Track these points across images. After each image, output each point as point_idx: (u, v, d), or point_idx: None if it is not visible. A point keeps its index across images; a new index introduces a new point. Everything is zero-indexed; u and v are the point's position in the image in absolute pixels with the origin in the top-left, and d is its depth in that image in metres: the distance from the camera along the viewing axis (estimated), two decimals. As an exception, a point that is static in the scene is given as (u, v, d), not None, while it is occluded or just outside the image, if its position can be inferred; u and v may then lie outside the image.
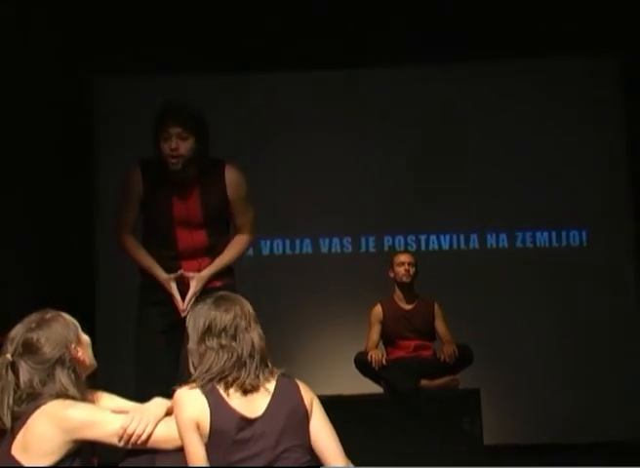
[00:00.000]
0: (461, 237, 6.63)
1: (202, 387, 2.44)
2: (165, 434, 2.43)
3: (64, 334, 2.51)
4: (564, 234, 6.59)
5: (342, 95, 6.65)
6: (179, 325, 3.35)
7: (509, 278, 6.49)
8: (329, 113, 6.62)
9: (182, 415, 2.40)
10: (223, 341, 2.49)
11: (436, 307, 5.50)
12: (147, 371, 3.62)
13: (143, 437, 2.39)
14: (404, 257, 5.52)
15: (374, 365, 5.21)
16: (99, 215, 6.33)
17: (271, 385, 2.49)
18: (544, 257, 6.54)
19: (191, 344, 2.53)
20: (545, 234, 6.60)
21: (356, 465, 2.57)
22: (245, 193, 3.77)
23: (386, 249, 6.54)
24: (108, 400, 2.63)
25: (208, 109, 4.01)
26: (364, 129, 6.65)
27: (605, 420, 6.07)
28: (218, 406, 2.41)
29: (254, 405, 2.45)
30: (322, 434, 2.52)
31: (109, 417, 2.42)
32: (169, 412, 2.49)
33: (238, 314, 2.54)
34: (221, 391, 2.44)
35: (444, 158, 6.61)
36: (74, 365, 2.50)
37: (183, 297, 3.62)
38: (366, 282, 6.14)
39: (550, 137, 6.55)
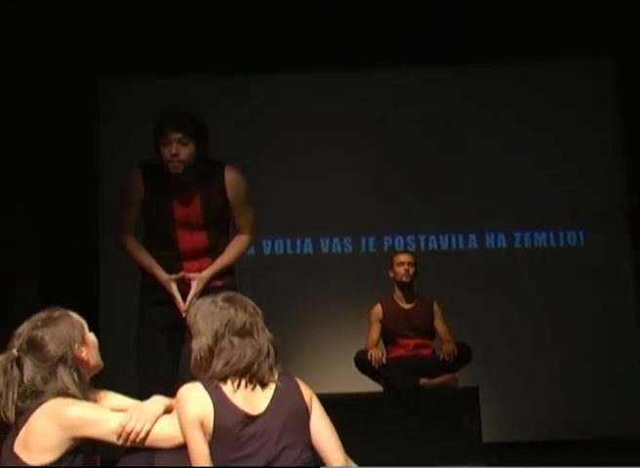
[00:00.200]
0: (460, 237, 6.64)
1: (205, 385, 2.46)
2: (163, 432, 2.44)
3: (69, 334, 2.52)
4: (562, 234, 6.60)
5: (342, 95, 6.66)
6: (179, 324, 3.39)
7: (508, 277, 6.50)
8: (329, 114, 6.63)
9: (186, 413, 2.41)
10: (245, 338, 2.52)
11: (435, 306, 5.52)
12: (148, 371, 3.64)
13: (141, 435, 2.40)
14: (404, 257, 5.54)
15: (374, 363, 5.23)
16: (102, 216, 6.34)
17: (272, 383, 2.52)
18: (543, 257, 6.56)
19: (203, 342, 2.53)
20: (543, 234, 6.61)
21: (356, 462, 2.59)
22: (245, 194, 3.79)
23: (386, 249, 6.55)
24: (112, 398, 2.64)
25: (208, 110, 4.03)
26: (364, 129, 6.66)
27: (602, 419, 6.08)
28: (221, 403, 2.43)
29: (256, 402, 2.48)
30: (322, 431, 2.54)
31: (108, 416, 2.44)
32: (167, 410, 2.50)
33: (252, 312, 2.58)
34: (224, 388, 2.46)
35: (443, 159, 6.63)
36: (77, 364, 2.51)
37: (184, 297, 3.65)
38: (366, 281, 6.15)
39: (548, 138, 6.57)
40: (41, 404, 2.42)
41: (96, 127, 6.59)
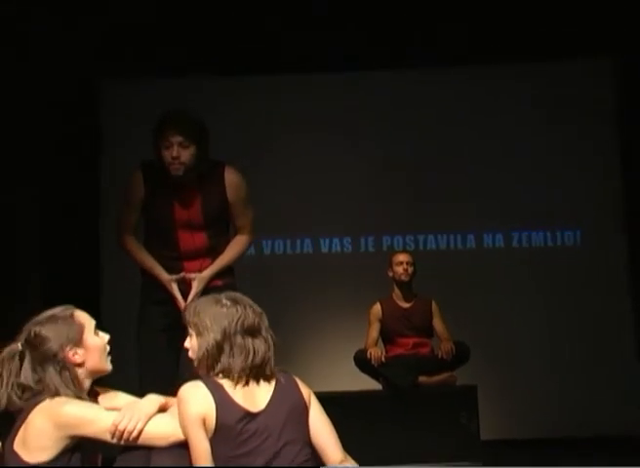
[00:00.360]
0: (459, 237, 6.65)
1: (206, 383, 2.48)
2: (155, 431, 2.44)
3: (64, 334, 2.53)
4: (559, 234, 6.62)
5: (342, 96, 6.67)
6: (180, 324, 3.40)
7: (506, 277, 6.51)
8: (328, 114, 6.64)
9: (188, 411, 2.42)
10: (256, 336, 2.55)
11: (434, 305, 5.55)
12: (149, 370, 3.66)
13: (134, 434, 2.40)
14: (402, 257, 5.56)
15: (373, 362, 5.26)
16: (103, 216, 6.35)
17: (272, 380, 2.55)
18: (540, 257, 6.57)
19: (211, 339, 2.53)
20: (541, 234, 6.63)
21: (356, 459, 2.60)
22: (244, 194, 3.81)
23: (385, 248, 6.57)
24: (121, 398, 2.65)
25: (209, 111, 4.05)
26: (364, 130, 6.68)
27: (599, 417, 6.10)
28: (223, 401, 2.45)
29: (256, 399, 2.50)
30: (320, 428, 2.57)
31: (102, 415, 2.44)
32: (163, 409, 2.51)
33: (258, 312, 2.61)
34: (225, 386, 2.48)
35: (442, 159, 6.64)
36: (67, 366, 2.51)
37: (185, 297, 3.67)
38: (365, 281, 6.17)
39: (546, 140, 6.57)
40: (39, 402, 2.44)
41: (96, 127, 6.59)
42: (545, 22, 6.16)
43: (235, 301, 2.60)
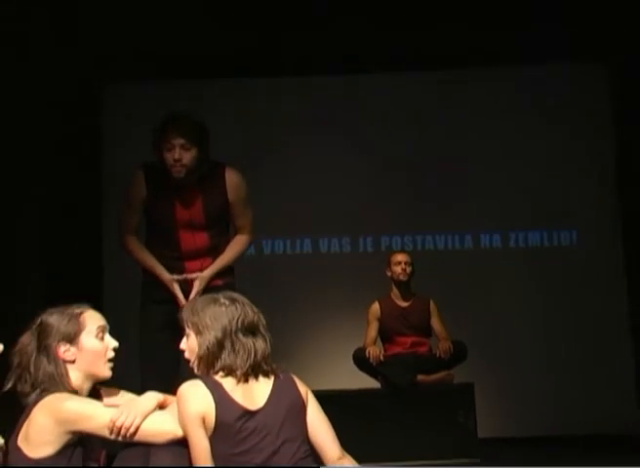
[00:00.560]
0: (456, 237, 6.67)
1: (205, 381, 2.49)
2: (153, 428, 2.44)
3: (61, 329, 2.55)
4: (555, 234, 6.64)
5: (341, 97, 6.68)
6: (181, 323, 3.45)
7: (503, 277, 6.54)
8: (328, 115, 6.65)
9: (188, 410, 2.43)
10: (255, 336, 2.57)
11: (432, 305, 5.57)
12: (150, 369, 3.69)
13: (131, 430, 2.41)
14: (401, 257, 5.59)
15: (372, 360, 5.29)
16: (104, 216, 6.35)
17: (270, 378, 2.56)
18: (536, 257, 6.60)
19: (212, 337, 2.54)
20: (537, 234, 6.66)
21: (354, 457, 2.61)
22: (245, 195, 3.84)
23: (384, 248, 6.58)
24: (119, 396, 2.67)
25: (209, 112, 4.07)
26: (363, 131, 6.69)
27: (595, 415, 6.11)
28: (222, 399, 2.46)
29: (255, 397, 2.51)
30: (318, 425, 2.58)
31: (101, 411, 2.45)
32: (161, 406, 2.52)
33: (256, 311, 2.63)
34: (224, 385, 2.50)
35: (440, 160, 6.66)
36: (55, 360, 2.53)
37: (185, 296, 3.70)
38: (364, 280, 6.18)
39: (542, 141, 6.59)
40: (41, 399, 2.47)
41: (97, 127, 6.59)
42: (542, 25, 6.12)
43: (233, 300, 2.62)
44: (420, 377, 5.28)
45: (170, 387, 2.60)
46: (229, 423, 2.44)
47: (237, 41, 6.20)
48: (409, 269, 5.55)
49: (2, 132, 5.20)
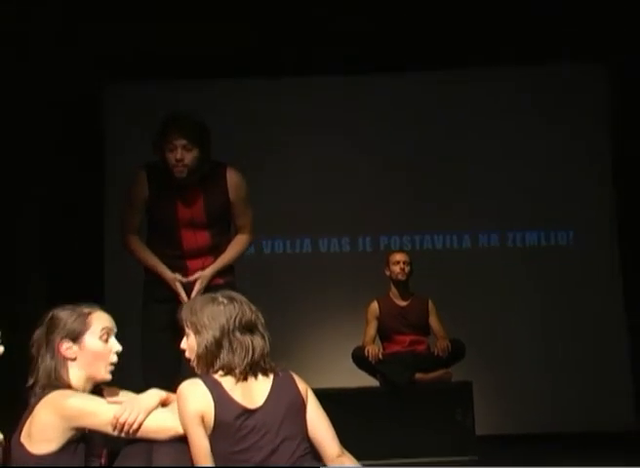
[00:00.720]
0: (455, 237, 6.70)
1: (205, 380, 2.50)
2: (155, 424, 2.45)
3: (66, 326, 2.56)
4: (552, 234, 6.66)
5: (342, 97, 6.70)
6: (180, 322, 3.46)
7: (500, 276, 6.55)
8: (328, 115, 6.66)
9: (187, 408, 2.44)
10: (253, 334, 2.58)
11: (430, 304, 5.59)
12: (152, 368, 3.71)
13: (134, 426, 2.42)
14: (399, 256, 5.61)
15: (371, 359, 5.31)
16: (106, 216, 6.36)
17: (269, 377, 2.57)
18: (534, 256, 6.62)
19: (210, 336, 2.55)
20: (535, 234, 6.68)
21: (353, 454, 2.61)
22: (245, 194, 3.88)
23: (383, 248, 6.59)
24: (121, 396, 2.65)
25: (209, 112, 4.08)
26: (362, 131, 6.70)
27: (592, 413, 6.14)
28: (221, 398, 2.47)
29: (254, 396, 2.52)
30: (318, 423, 2.59)
31: (105, 407, 2.46)
32: (163, 404, 2.53)
33: (254, 309, 2.65)
34: (224, 383, 2.50)
35: (439, 161, 6.68)
36: (56, 356, 2.55)
37: (187, 295, 3.72)
38: (363, 280, 6.19)
39: (540, 142, 6.61)
40: (45, 395, 2.48)
41: (98, 127, 6.60)
42: (541, 26, 6.16)
43: (231, 299, 2.63)
44: (418, 376, 5.29)
45: (172, 386, 2.60)
46: (228, 422, 2.45)
47: (237, 41, 6.20)
48: (407, 269, 5.57)
49: (2, 132, 5.21)
